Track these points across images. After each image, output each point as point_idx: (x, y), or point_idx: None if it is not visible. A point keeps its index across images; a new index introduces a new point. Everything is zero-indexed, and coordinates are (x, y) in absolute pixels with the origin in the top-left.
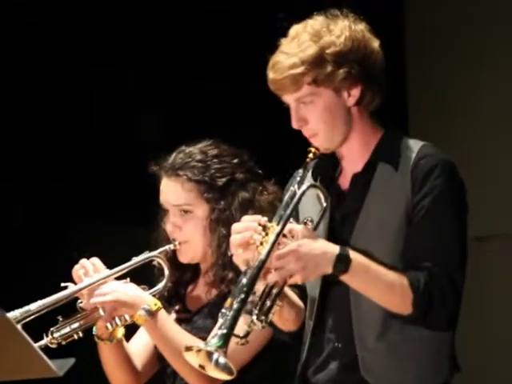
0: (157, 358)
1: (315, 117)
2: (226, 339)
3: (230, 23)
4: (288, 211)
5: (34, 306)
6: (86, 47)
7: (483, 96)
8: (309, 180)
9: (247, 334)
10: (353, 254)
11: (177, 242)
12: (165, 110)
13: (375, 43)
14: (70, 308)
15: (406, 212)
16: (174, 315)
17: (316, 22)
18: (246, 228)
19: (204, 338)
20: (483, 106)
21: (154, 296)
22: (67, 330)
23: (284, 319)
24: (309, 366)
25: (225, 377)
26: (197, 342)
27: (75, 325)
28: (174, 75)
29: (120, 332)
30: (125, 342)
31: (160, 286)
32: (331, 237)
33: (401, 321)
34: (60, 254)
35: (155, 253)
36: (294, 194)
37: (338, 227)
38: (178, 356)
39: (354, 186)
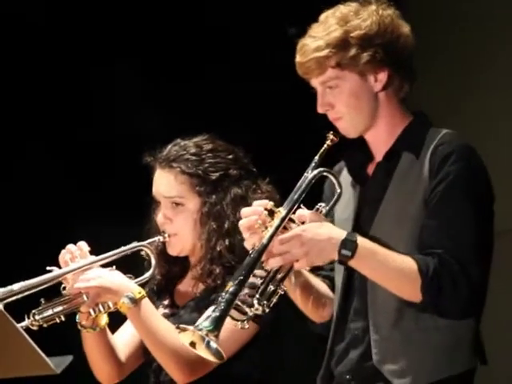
0: (142, 350)
1: (341, 101)
2: (217, 323)
3: (230, 23)
4: (296, 196)
5: (16, 287)
6: (86, 47)
7: (484, 95)
8: (341, 166)
9: (249, 318)
10: (360, 240)
11: (166, 234)
12: (165, 110)
13: (404, 29)
14: (55, 293)
15: (424, 200)
16: (162, 310)
17: (346, 7)
18: (253, 212)
19: None
20: (486, 104)
21: (139, 285)
22: (49, 312)
23: (313, 310)
24: (333, 356)
25: (214, 360)
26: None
27: (58, 308)
28: (174, 75)
29: (103, 320)
30: (108, 331)
31: (146, 275)
32: (357, 224)
33: (416, 309)
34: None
35: (143, 243)
36: (306, 179)
37: (363, 214)
38: (160, 346)
39: (377, 174)
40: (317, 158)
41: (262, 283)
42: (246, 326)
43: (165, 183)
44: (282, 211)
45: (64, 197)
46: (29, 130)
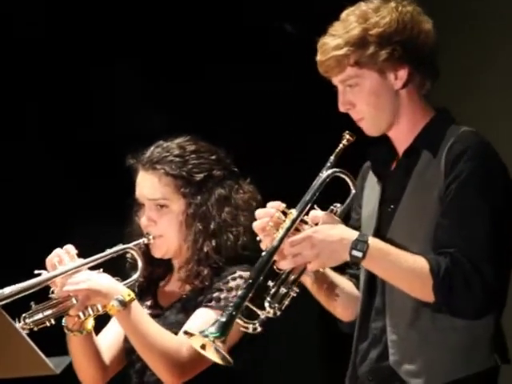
0: (125, 352)
1: (361, 100)
2: (224, 328)
3: (229, 22)
4: (308, 197)
5: (7, 290)
6: (86, 47)
7: (484, 95)
8: (368, 166)
9: (261, 323)
10: (371, 240)
11: (151, 236)
12: (165, 110)
13: (425, 25)
14: (44, 296)
15: (439, 198)
16: (145, 310)
17: (367, 4)
18: (265, 214)
19: (176, 334)
20: (486, 104)
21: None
22: (40, 316)
23: (337, 309)
24: (358, 355)
25: (222, 363)
26: (170, 335)
27: (48, 312)
28: (173, 75)
29: (90, 324)
30: (94, 335)
31: (134, 277)
32: (379, 221)
33: (432, 309)
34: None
35: (129, 245)
36: (319, 179)
37: (385, 212)
38: (150, 348)
39: (396, 171)
40: (332, 157)
41: (273, 285)
42: (259, 330)
43: (149, 185)
44: (293, 213)
45: (64, 197)
46: (29, 130)
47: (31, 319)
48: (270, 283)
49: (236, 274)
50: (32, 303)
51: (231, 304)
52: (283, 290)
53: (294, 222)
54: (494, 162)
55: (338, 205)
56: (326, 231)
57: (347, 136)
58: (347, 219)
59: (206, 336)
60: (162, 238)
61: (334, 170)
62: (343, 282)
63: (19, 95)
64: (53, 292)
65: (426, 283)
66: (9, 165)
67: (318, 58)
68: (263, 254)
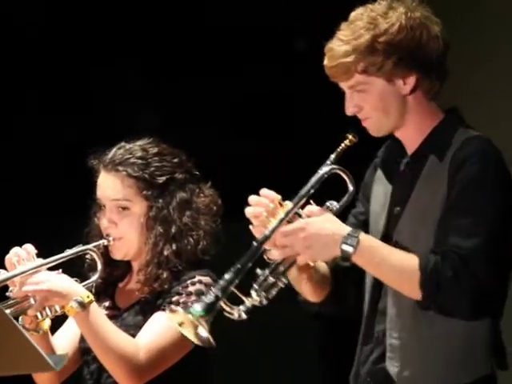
0: (80, 353)
1: (368, 104)
2: (209, 308)
3: (228, 21)
4: (303, 191)
5: None
6: (86, 47)
7: (484, 95)
8: (377, 164)
9: (247, 310)
10: (363, 236)
11: (111, 238)
12: (165, 110)
13: (434, 30)
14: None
15: (442, 205)
16: (103, 311)
17: (375, 7)
18: (258, 203)
19: (133, 335)
20: (487, 104)
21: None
22: None
23: (313, 292)
24: (361, 356)
25: (201, 344)
26: (128, 338)
27: (6, 312)
28: (174, 75)
29: (46, 324)
30: (50, 334)
31: (93, 278)
32: (388, 221)
33: (430, 315)
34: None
35: (89, 246)
36: (317, 175)
37: (394, 212)
38: (108, 350)
39: (405, 173)
40: (333, 156)
41: (261, 274)
42: (244, 317)
43: (111, 186)
44: (288, 205)
45: (63, 197)
46: (28, 130)
47: None
48: (259, 271)
49: (195, 279)
50: None
51: (218, 286)
52: (271, 279)
53: (288, 213)
54: (497, 167)
55: (334, 203)
56: (320, 224)
57: (349, 136)
58: (343, 217)
59: (190, 313)
60: (122, 240)
61: (332, 166)
62: (320, 265)
63: (19, 95)
64: (11, 291)
65: (414, 279)
66: (8, 164)
67: (326, 62)
68: (254, 242)
